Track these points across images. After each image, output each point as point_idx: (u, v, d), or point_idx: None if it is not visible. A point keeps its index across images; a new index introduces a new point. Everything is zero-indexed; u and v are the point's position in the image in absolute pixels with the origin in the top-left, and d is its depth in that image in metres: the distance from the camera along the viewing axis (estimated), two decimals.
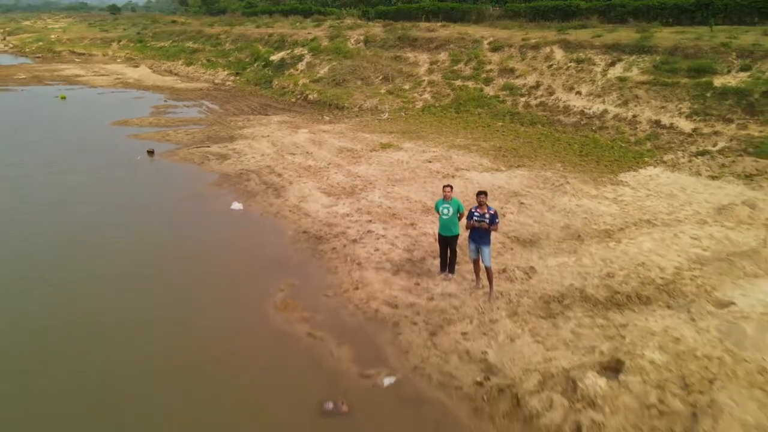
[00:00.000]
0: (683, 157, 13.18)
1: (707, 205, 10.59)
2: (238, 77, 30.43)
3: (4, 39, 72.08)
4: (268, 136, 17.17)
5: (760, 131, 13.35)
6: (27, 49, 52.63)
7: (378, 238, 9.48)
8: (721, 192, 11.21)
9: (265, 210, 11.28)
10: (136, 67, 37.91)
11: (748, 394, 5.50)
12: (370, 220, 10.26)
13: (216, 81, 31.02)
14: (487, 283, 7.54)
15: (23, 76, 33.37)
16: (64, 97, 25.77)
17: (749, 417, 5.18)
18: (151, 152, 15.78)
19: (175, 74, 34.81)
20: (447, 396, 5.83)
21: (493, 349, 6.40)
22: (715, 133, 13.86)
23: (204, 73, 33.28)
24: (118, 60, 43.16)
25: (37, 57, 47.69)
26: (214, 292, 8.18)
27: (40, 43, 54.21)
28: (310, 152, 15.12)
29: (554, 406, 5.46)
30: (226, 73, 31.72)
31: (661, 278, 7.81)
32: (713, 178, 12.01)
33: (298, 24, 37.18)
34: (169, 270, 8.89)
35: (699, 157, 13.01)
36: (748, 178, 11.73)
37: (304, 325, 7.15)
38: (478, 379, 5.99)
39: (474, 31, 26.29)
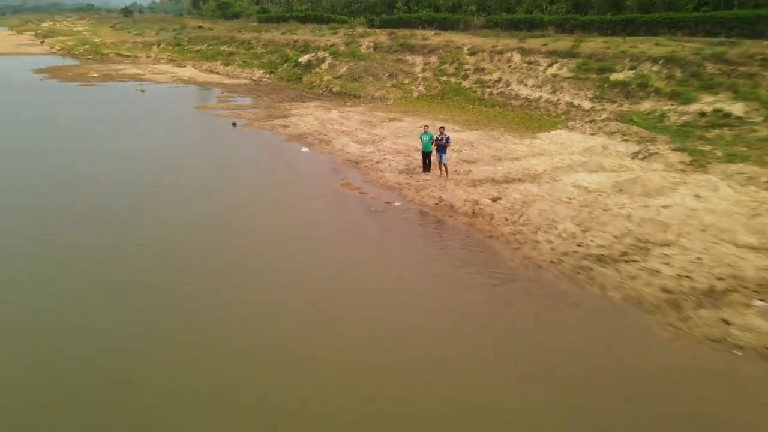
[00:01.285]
0: (579, 124, 20.96)
1: (580, 147, 18.35)
2: (272, 75, 38.21)
3: (43, 42, 79.34)
4: (311, 114, 24.97)
5: (629, 108, 21.17)
6: (76, 52, 60.28)
7: (390, 161, 17.25)
8: (592, 141, 18.96)
9: (322, 151, 19.09)
10: (183, 67, 45.66)
11: (548, 204, 13.25)
12: (385, 154, 18.04)
13: (254, 78, 38.78)
14: (445, 174, 15.33)
15: (96, 75, 41.14)
16: (143, 90, 33.54)
17: (542, 209, 12.93)
18: (234, 124, 23.56)
19: (217, 73, 42.58)
20: (422, 207, 13.64)
21: (444, 195, 14.17)
22: (603, 109, 21.69)
23: (242, 72, 41.05)
24: (162, 61, 50.88)
25: (88, 58, 55.38)
26: (306, 180, 15.99)
27: (87, 46, 61.88)
28: (342, 123, 22.91)
29: (466, 205, 13.27)
30: (261, 72, 39.51)
31: (533, 174, 15.58)
32: (592, 135, 19.75)
33: (317, 32, 44.81)
34: (279, 175, 16.70)
35: (588, 123, 20.79)
36: (611, 134, 19.45)
37: (356, 190, 14.94)
38: (436, 202, 13.79)
39: (458, 39, 34.06)
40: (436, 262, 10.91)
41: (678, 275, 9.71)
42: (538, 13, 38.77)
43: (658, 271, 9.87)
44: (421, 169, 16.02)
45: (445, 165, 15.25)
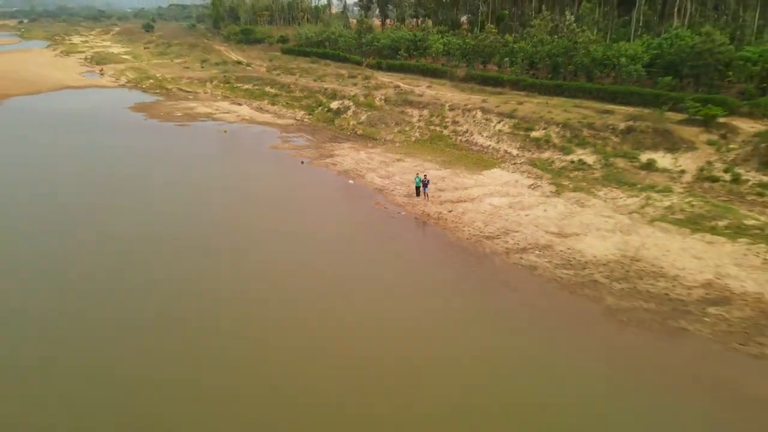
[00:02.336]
0: (508, 165, 36.00)
1: (503, 181, 33.38)
2: (311, 116, 53.16)
3: (102, 71, 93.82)
4: (347, 155, 39.98)
5: (537, 156, 36.25)
6: (143, 86, 75.20)
7: (399, 190, 32.31)
8: (511, 177, 33.98)
9: (360, 183, 34.14)
10: (239, 105, 60.54)
11: (474, 214, 28.32)
12: (396, 185, 33.10)
13: (297, 118, 53.74)
14: (427, 198, 30.44)
15: (180, 114, 56.07)
16: (225, 131, 48.47)
17: (470, 216, 28.01)
18: (302, 162, 38.56)
19: (267, 111, 57.48)
20: (415, 215, 28.76)
21: (425, 209, 29.26)
22: (523, 155, 36.75)
23: (287, 111, 56.01)
24: (218, 98, 65.78)
25: (156, 92, 70.32)
26: (357, 201, 31.12)
27: (151, 81, 76.75)
28: (369, 162, 37.93)
29: (435, 214, 28.38)
30: (302, 113, 54.48)
31: (472, 198, 30.62)
32: (513, 173, 34.73)
33: (341, 80, 59.76)
34: (343, 196, 31.84)
35: (513, 165, 35.81)
36: (523, 172, 34.44)
37: (382, 207, 30.03)
38: (421, 213, 28.90)
39: (443, 94, 49.09)
40: (418, 237, 26.00)
41: (514, 243, 24.81)
42: (501, 72, 53.90)
43: (507, 242, 24.97)
44: (415, 195, 31.07)
45: (426, 193, 30.34)
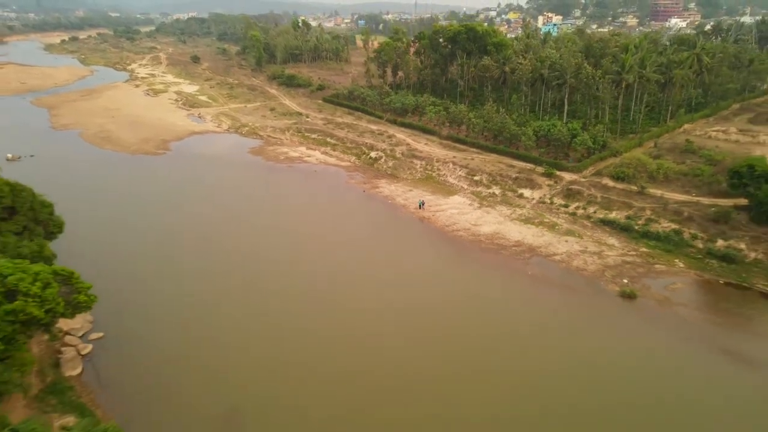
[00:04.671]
0: (461, 194, 77.41)
1: (458, 202, 74.85)
2: (359, 160, 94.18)
3: (200, 115, 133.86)
4: (385, 187, 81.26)
5: (476, 189, 77.84)
6: (242, 132, 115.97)
7: (413, 205, 73.73)
8: (462, 200, 75.36)
9: (394, 202, 75.50)
10: (314, 150, 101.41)
11: (443, 216, 69.90)
12: (410, 204, 74.47)
13: (351, 161, 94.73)
14: (423, 209, 71.93)
15: (282, 158, 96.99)
16: (316, 171, 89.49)
17: (440, 217, 69.58)
18: (364, 191, 79.81)
19: (331, 155, 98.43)
20: (418, 217, 70.29)
21: (422, 215, 70.72)
22: (469, 189, 78.28)
23: (344, 156, 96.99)
24: (296, 143, 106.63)
25: (253, 137, 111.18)
26: (396, 211, 72.71)
27: (247, 128, 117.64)
28: (396, 191, 79.21)
29: (427, 216, 69.98)
30: (353, 158, 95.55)
31: (443, 209, 72.10)
32: (463, 197, 76.10)
33: (374, 136, 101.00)
34: (383, 208, 73.45)
35: (463, 194, 77.22)
36: (468, 198, 75.88)
37: (404, 213, 71.48)
38: (421, 216, 70.57)
39: (432, 150, 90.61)
40: (419, 225, 67.46)
41: (456, 228, 66.38)
42: (467, 134, 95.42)
43: (452, 227, 66.52)
44: (418, 208, 72.35)
45: (423, 208, 71.78)
